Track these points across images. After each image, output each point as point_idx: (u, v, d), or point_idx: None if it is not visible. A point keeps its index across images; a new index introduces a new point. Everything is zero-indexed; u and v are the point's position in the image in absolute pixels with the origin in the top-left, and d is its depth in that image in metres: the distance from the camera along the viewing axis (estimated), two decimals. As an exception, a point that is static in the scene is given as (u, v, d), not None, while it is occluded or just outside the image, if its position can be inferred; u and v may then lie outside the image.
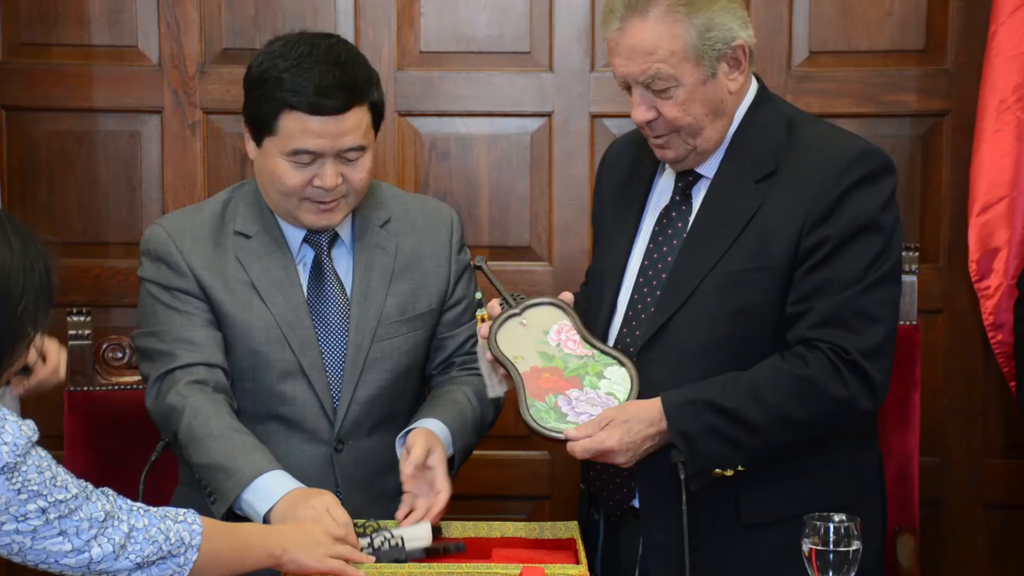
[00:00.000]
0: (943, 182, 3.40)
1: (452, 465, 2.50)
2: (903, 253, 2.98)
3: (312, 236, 2.56)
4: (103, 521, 1.88)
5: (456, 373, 2.66)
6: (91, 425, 2.81)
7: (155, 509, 1.97)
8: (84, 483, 1.90)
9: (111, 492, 1.93)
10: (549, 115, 3.42)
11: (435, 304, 2.62)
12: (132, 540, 1.90)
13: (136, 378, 2.86)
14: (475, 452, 3.56)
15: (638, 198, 2.53)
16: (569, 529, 2.36)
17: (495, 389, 2.41)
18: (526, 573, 2.09)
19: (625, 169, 2.59)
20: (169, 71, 3.41)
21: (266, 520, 2.27)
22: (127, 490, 2.57)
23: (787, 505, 2.34)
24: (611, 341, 2.48)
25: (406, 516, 2.36)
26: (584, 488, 2.57)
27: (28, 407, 3.35)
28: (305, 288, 2.54)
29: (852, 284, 2.33)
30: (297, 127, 2.42)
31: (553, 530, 2.37)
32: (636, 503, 2.42)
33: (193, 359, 2.45)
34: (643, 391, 2.35)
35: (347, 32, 3.38)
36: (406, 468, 2.39)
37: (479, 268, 2.45)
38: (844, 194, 2.33)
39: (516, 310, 2.39)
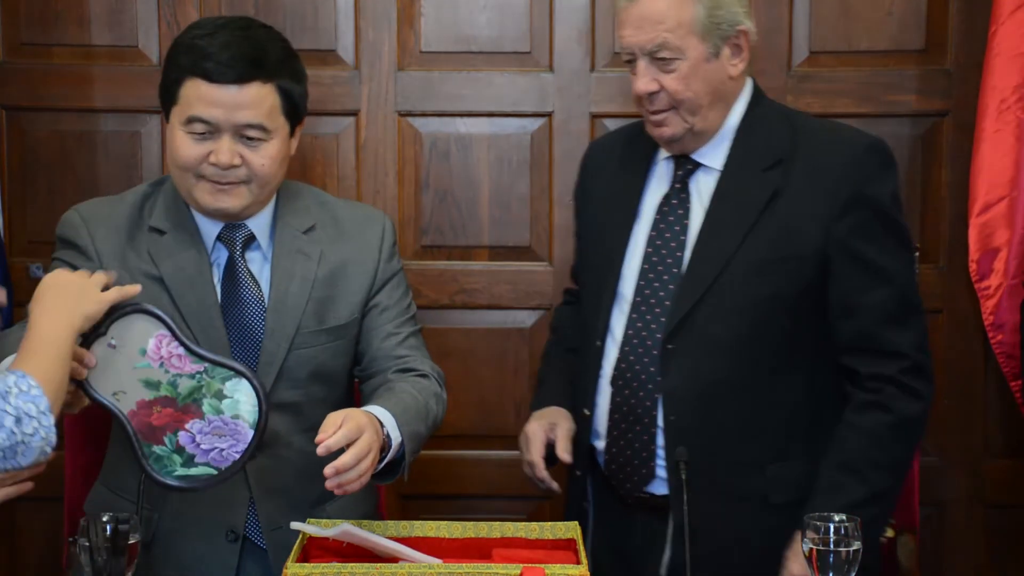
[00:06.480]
0: (943, 182, 3.40)
1: (403, 452, 2.38)
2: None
3: (227, 234, 2.50)
4: None
5: (392, 376, 2.55)
6: (91, 425, 2.81)
7: None
8: None
9: None
10: (549, 115, 3.42)
11: (357, 314, 2.56)
12: None
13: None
14: (475, 452, 3.57)
15: (635, 190, 2.57)
16: (569, 529, 2.36)
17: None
18: (526, 573, 2.09)
19: (614, 168, 2.66)
20: (169, 71, 3.41)
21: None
22: (134, 486, 2.58)
23: (813, 484, 2.43)
24: (621, 330, 2.50)
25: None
26: (579, 475, 2.59)
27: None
28: (218, 289, 2.48)
29: (895, 278, 2.43)
30: (194, 94, 2.38)
31: (553, 530, 2.37)
32: (651, 489, 2.47)
33: None
34: (676, 381, 2.42)
35: (347, 32, 3.38)
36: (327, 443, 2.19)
37: (38, 279, 2.13)
38: (862, 182, 2.42)
39: (100, 327, 2.12)
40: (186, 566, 2.45)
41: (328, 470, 2.17)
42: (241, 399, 2.16)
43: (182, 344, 2.13)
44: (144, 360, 2.13)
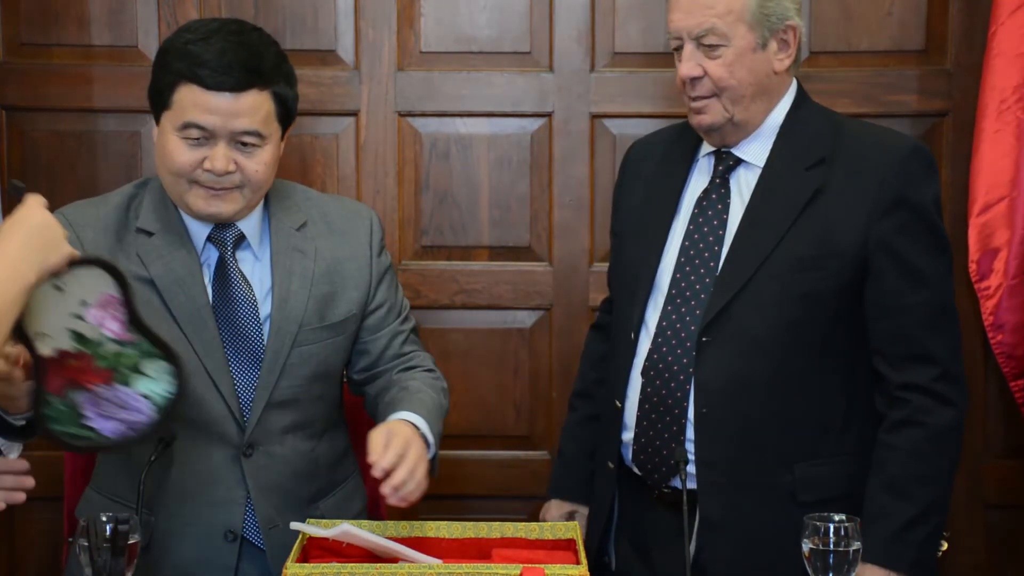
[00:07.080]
0: (943, 182, 3.38)
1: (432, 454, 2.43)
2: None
3: (216, 234, 2.48)
4: None
5: (396, 376, 2.59)
6: (91, 425, 2.81)
7: None
8: None
9: None
10: (549, 115, 3.42)
11: (356, 310, 2.57)
12: None
13: (136, 378, 2.85)
14: (475, 452, 3.56)
15: (676, 185, 2.59)
16: (569, 529, 2.36)
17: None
18: (526, 573, 2.09)
19: (655, 164, 2.68)
20: (169, 71, 3.41)
21: None
22: (126, 490, 2.58)
23: (841, 484, 2.44)
24: (655, 321, 2.51)
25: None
26: (612, 467, 2.59)
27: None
28: (209, 288, 2.47)
29: (934, 282, 2.44)
30: (190, 100, 2.36)
31: (553, 530, 2.37)
32: (677, 483, 2.47)
33: None
34: (710, 374, 2.42)
35: (347, 32, 3.38)
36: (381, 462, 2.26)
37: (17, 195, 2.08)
38: (906, 185, 2.43)
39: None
40: (184, 568, 2.45)
41: (386, 489, 2.23)
42: (157, 380, 2.08)
43: (129, 312, 2.04)
44: (82, 312, 2.03)
